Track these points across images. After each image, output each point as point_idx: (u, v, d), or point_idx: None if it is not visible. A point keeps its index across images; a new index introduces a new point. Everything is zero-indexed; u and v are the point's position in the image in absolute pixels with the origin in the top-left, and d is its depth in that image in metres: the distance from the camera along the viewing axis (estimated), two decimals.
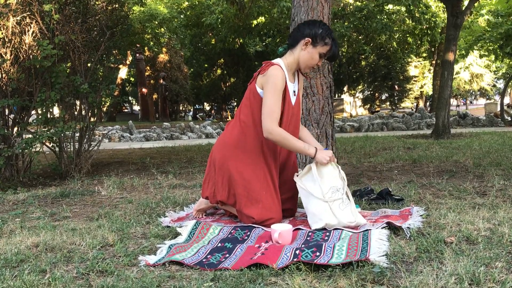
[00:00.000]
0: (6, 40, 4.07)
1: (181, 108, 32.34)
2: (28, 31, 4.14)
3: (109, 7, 5.06)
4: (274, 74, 2.35)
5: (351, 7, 15.78)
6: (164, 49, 23.64)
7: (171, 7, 18.34)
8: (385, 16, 15.48)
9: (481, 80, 31.01)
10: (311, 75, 3.59)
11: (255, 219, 2.34)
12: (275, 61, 2.46)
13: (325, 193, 2.30)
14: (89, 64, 4.87)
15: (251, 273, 1.69)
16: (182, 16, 18.73)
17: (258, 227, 2.32)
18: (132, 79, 31.87)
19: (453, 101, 33.51)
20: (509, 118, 12.48)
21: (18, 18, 4.07)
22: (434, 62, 19.26)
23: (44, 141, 4.31)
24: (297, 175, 2.44)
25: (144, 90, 24.28)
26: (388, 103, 26.54)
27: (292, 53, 2.47)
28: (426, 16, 14.60)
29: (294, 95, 2.52)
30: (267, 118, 2.34)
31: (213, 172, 2.53)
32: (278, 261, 1.79)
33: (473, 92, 35.28)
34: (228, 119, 25.48)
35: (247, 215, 2.37)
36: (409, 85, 25.60)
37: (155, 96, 26.20)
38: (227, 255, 1.91)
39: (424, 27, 15.34)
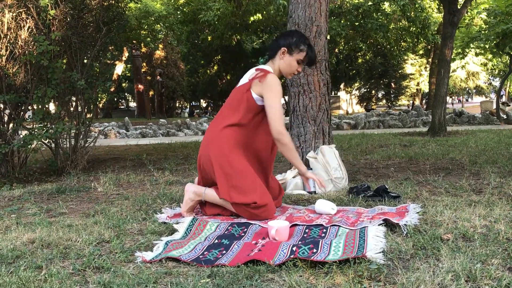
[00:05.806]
0: (2, 35, 4.04)
1: (177, 105, 32.26)
2: (24, 26, 4.11)
3: (105, 3, 5.03)
4: (276, 81, 2.52)
5: (347, 5, 15.77)
6: (160, 46, 23.56)
7: (167, 4, 18.27)
8: (381, 16, 15.48)
9: (477, 78, 31.08)
10: (308, 72, 3.59)
11: (257, 203, 2.38)
12: (267, 69, 2.61)
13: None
14: (85, 60, 4.85)
15: (248, 270, 1.69)
16: (178, 12, 18.65)
17: (254, 224, 2.33)
18: (128, 75, 31.78)
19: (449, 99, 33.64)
20: (504, 116, 12.53)
21: (14, 14, 4.04)
22: (430, 60, 19.28)
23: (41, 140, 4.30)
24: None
25: (140, 86, 24.21)
26: (384, 101, 26.59)
27: (272, 63, 2.67)
28: (421, 18, 14.61)
29: None
30: (278, 121, 2.49)
31: (210, 173, 2.56)
32: (275, 257, 1.79)
33: (469, 90, 35.37)
34: None
35: (246, 203, 2.40)
36: (405, 83, 25.63)
37: (151, 92, 26.13)
38: (224, 252, 1.91)
39: (418, 28, 15.36)
